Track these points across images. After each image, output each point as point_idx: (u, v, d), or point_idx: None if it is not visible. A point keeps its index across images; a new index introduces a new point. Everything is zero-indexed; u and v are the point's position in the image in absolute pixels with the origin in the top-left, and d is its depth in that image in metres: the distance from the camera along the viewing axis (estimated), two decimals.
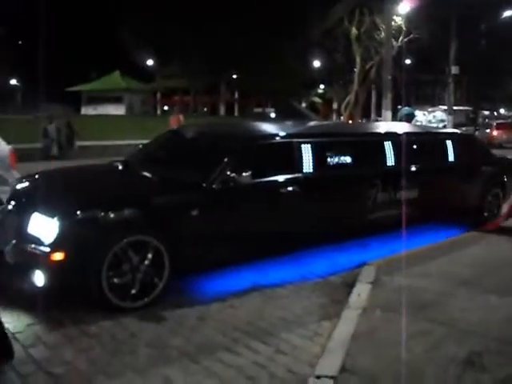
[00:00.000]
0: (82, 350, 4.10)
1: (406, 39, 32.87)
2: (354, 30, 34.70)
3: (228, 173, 5.38)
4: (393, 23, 26.45)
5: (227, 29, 42.61)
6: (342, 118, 38.38)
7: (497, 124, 32.24)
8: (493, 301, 5.10)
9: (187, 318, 4.74)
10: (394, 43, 29.64)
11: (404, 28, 31.89)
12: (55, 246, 4.57)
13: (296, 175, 5.97)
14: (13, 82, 57.95)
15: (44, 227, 4.68)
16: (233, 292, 5.37)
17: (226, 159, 5.50)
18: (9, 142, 7.83)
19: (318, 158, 6.13)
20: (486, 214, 8.50)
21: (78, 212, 4.73)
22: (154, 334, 4.43)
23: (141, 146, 7.45)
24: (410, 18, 30.12)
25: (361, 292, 5.20)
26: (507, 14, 31.29)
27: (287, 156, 6.03)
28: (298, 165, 6.01)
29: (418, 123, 29.88)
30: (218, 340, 4.34)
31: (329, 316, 4.84)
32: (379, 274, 5.70)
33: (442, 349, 4.06)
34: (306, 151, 6.07)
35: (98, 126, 27.49)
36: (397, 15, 28.35)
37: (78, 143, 19.78)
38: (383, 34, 25.82)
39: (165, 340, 4.31)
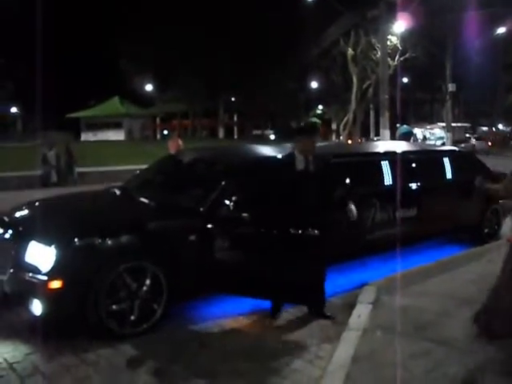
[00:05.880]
0: (79, 379, 4.05)
1: (401, 58, 33.11)
2: (350, 51, 35.01)
3: (225, 198, 5.37)
4: (388, 43, 26.65)
5: (225, 53, 43.00)
6: (340, 137, 38.56)
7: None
8: None
9: (187, 344, 4.70)
10: (390, 62, 29.79)
11: (400, 47, 32.13)
12: (53, 274, 4.54)
13: None
14: (13, 109, 58.31)
15: (41, 255, 4.66)
16: (233, 316, 5.35)
17: (223, 184, 5.50)
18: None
19: None
20: (485, 231, 8.50)
21: (76, 239, 4.72)
22: (154, 361, 4.39)
23: (138, 172, 7.46)
24: (405, 38, 30.36)
25: (361, 313, 5.16)
26: (500, 30, 31.67)
27: None
28: None
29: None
30: (218, 366, 4.29)
31: (329, 338, 4.80)
32: (379, 294, 5.65)
33: (443, 369, 4.02)
34: None
35: (97, 151, 27.54)
36: (392, 35, 28.60)
37: (78, 169, 19.76)
38: (379, 53, 25.94)
39: (164, 367, 4.27)
